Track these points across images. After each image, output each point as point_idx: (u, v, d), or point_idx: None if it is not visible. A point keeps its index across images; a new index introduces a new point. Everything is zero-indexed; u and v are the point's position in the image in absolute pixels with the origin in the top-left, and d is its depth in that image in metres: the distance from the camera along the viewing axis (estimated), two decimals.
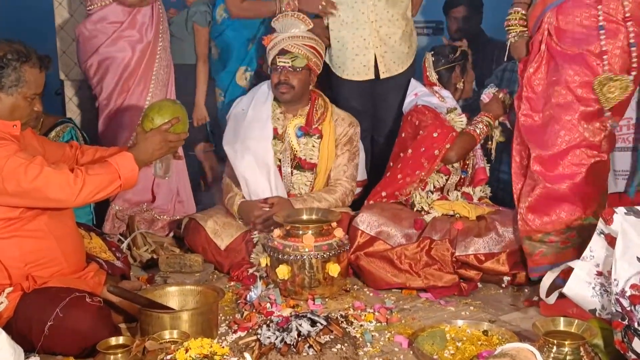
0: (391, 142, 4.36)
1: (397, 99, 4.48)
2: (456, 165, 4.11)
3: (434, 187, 4.12)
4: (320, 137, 4.05)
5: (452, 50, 4.37)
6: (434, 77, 4.32)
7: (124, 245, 4.20)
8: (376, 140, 4.57)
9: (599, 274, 3.04)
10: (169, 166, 3.43)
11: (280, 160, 4.08)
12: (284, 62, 3.95)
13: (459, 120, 4.20)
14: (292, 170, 4.07)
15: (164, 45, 4.52)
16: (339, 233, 3.64)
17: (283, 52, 3.98)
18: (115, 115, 4.45)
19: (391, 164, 4.15)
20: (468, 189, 4.18)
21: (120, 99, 4.41)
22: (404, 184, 4.04)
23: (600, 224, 3.01)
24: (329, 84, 4.60)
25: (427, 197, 4.08)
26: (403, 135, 4.19)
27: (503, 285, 3.80)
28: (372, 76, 4.46)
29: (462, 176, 4.22)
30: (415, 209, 4.04)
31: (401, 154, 4.09)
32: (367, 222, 3.91)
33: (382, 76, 4.47)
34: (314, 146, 4.05)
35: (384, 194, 4.10)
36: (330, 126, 4.07)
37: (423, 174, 4.05)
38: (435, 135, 4.03)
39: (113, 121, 4.45)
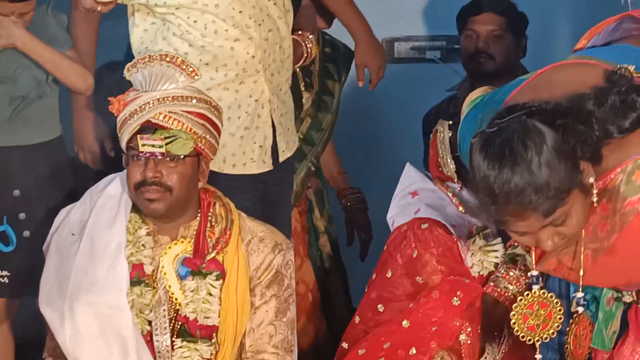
0: None
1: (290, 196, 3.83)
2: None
3: None
4: (222, 275, 3.02)
5: None
6: (450, 167, 3.39)
7: None
8: None
9: None
10: None
11: (150, 324, 3.01)
12: (153, 147, 2.95)
13: (492, 252, 3.24)
14: (172, 341, 3.00)
15: None
16: None
17: (149, 128, 2.98)
18: None
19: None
20: None
21: None
22: None
23: None
24: None
25: None
26: (390, 275, 3.30)
27: None
28: (270, 164, 3.58)
29: None
30: None
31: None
32: None
33: (282, 157, 3.63)
34: (210, 294, 3.01)
35: None
36: (239, 254, 3.08)
37: None
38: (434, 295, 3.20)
39: None
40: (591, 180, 2.46)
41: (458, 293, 3.17)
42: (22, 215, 3.48)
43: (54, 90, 3.61)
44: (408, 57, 4.97)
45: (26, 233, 3.46)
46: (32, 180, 3.56)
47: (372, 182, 4.68)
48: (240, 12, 3.41)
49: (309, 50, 3.83)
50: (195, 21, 3.39)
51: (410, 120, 4.43)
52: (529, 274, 2.76)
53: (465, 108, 2.81)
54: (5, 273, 3.34)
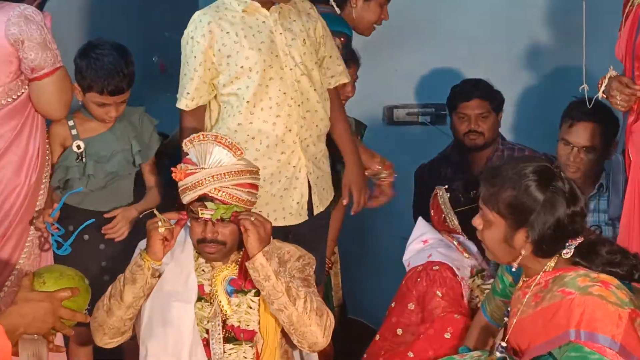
0: None
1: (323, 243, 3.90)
2: None
3: None
4: (259, 291, 3.21)
5: (471, 185, 3.57)
6: (455, 222, 3.63)
7: None
8: None
9: None
10: None
11: (207, 332, 3.20)
12: (209, 215, 3.17)
13: (487, 288, 3.45)
14: (224, 347, 3.20)
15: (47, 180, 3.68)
16: None
17: (206, 199, 3.17)
18: None
19: None
20: None
21: None
22: None
23: None
24: None
25: None
26: (411, 307, 3.50)
27: None
28: (305, 216, 3.72)
29: None
30: None
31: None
32: None
33: (315, 211, 3.75)
34: (250, 307, 3.23)
35: None
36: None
37: None
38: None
39: None
40: (523, 252, 2.77)
41: (448, 329, 3.36)
42: (104, 264, 3.73)
43: (136, 168, 3.83)
44: (405, 120, 5.12)
45: (106, 277, 3.63)
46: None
47: (374, 220, 4.74)
48: (285, 93, 3.61)
49: None
50: (248, 101, 3.59)
51: (406, 173, 4.49)
52: (496, 343, 2.99)
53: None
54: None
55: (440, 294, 3.44)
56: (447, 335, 3.38)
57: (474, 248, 3.63)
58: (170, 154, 3.96)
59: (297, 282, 3.17)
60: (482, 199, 2.84)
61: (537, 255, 2.78)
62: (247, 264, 3.12)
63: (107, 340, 3.28)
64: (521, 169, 2.77)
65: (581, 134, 3.95)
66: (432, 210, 3.73)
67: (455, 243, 3.64)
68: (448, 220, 3.67)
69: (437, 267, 3.50)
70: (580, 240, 2.77)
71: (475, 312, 3.42)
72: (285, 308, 3.12)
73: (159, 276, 3.21)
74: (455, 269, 3.50)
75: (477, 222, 2.84)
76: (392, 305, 3.60)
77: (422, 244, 3.68)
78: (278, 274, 3.11)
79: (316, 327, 3.14)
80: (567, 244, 2.76)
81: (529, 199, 2.70)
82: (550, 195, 2.70)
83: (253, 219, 3.11)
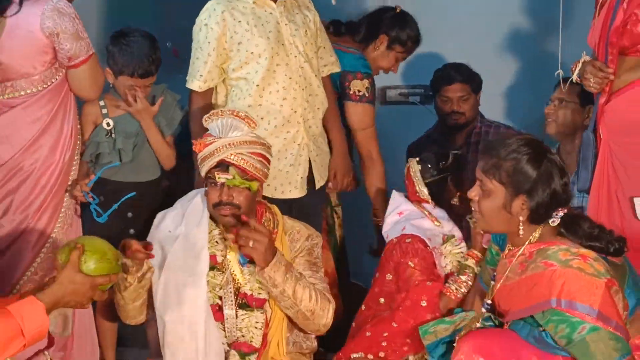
0: None
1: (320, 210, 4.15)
2: None
3: None
4: None
5: (441, 156, 3.81)
6: (424, 192, 3.80)
7: None
8: None
9: None
10: (68, 319, 3.02)
11: (220, 299, 3.37)
12: (225, 178, 3.32)
13: (458, 252, 3.65)
14: (236, 311, 3.36)
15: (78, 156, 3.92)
16: None
17: (223, 165, 3.32)
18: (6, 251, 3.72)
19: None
20: None
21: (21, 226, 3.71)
22: None
23: None
24: None
25: None
26: (389, 277, 3.68)
27: None
28: (305, 190, 3.97)
29: None
30: None
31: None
32: None
33: (317, 185, 4.02)
34: None
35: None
36: (283, 243, 3.46)
37: None
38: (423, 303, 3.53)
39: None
40: (521, 218, 2.91)
41: (423, 297, 3.54)
42: (131, 231, 3.88)
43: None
44: (396, 100, 5.41)
45: None
46: (142, 206, 3.95)
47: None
48: (290, 78, 3.85)
49: None
50: (257, 85, 3.81)
51: (399, 147, 4.75)
52: (483, 301, 3.14)
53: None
54: None
55: (412, 264, 3.62)
56: (423, 304, 3.55)
57: (444, 215, 3.84)
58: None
59: (303, 281, 3.31)
60: (481, 170, 2.97)
61: (532, 222, 2.94)
62: (256, 270, 3.30)
63: (131, 321, 3.48)
64: (519, 142, 2.94)
65: (559, 90, 4.14)
66: (406, 181, 3.92)
67: (426, 213, 3.81)
68: (418, 191, 3.85)
69: (410, 240, 3.68)
70: (565, 210, 2.92)
71: (449, 277, 3.64)
72: (291, 307, 3.31)
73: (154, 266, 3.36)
74: (426, 240, 3.68)
75: (473, 193, 2.98)
76: (376, 276, 3.78)
77: (398, 215, 3.85)
78: (286, 281, 3.26)
79: (319, 319, 3.35)
80: (554, 214, 2.91)
81: (529, 169, 2.88)
82: (547, 166, 2.88)
83: (251, 244, 3.22)
